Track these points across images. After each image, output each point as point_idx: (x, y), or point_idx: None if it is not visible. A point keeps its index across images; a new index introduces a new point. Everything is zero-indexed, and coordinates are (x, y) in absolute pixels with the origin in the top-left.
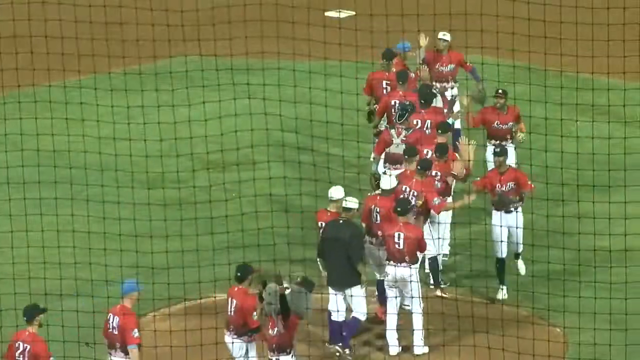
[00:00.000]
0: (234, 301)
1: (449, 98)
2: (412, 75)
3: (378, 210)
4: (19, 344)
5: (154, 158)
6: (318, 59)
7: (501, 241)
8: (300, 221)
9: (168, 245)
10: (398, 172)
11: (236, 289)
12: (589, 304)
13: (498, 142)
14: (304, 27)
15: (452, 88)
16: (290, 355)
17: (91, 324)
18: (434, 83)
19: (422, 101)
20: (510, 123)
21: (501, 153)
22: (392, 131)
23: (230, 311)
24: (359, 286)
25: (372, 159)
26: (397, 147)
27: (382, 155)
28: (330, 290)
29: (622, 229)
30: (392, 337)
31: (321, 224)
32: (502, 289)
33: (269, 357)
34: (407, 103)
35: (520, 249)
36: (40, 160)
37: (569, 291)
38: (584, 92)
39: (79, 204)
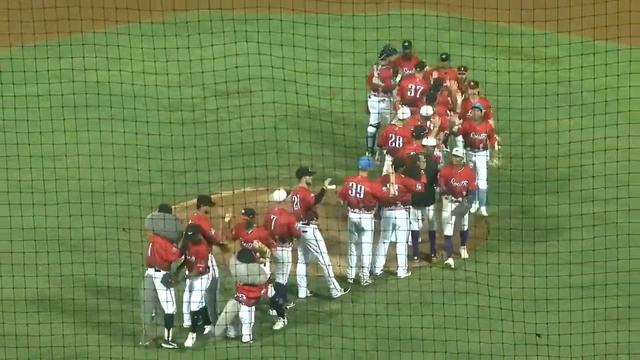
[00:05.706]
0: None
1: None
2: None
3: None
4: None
5: (174, 87)
6: (300, 11)
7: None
8: (286, 135)
9: (185, 154)
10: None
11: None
12: None
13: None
14: None
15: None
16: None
17: (126, 214)
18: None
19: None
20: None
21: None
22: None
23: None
24: None
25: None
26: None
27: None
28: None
29: (531, 141)
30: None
31: None
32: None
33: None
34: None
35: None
36: (87, 89)
37: None
38: (502, 36)
39: (117, 122)
